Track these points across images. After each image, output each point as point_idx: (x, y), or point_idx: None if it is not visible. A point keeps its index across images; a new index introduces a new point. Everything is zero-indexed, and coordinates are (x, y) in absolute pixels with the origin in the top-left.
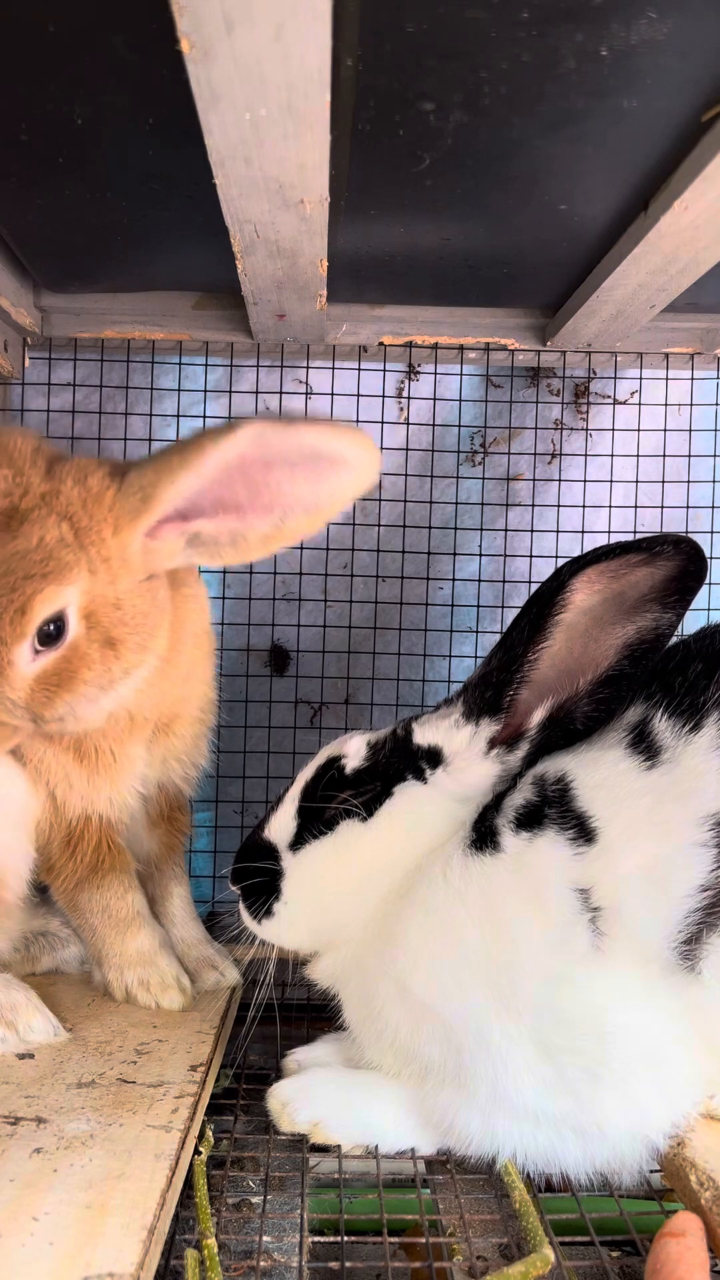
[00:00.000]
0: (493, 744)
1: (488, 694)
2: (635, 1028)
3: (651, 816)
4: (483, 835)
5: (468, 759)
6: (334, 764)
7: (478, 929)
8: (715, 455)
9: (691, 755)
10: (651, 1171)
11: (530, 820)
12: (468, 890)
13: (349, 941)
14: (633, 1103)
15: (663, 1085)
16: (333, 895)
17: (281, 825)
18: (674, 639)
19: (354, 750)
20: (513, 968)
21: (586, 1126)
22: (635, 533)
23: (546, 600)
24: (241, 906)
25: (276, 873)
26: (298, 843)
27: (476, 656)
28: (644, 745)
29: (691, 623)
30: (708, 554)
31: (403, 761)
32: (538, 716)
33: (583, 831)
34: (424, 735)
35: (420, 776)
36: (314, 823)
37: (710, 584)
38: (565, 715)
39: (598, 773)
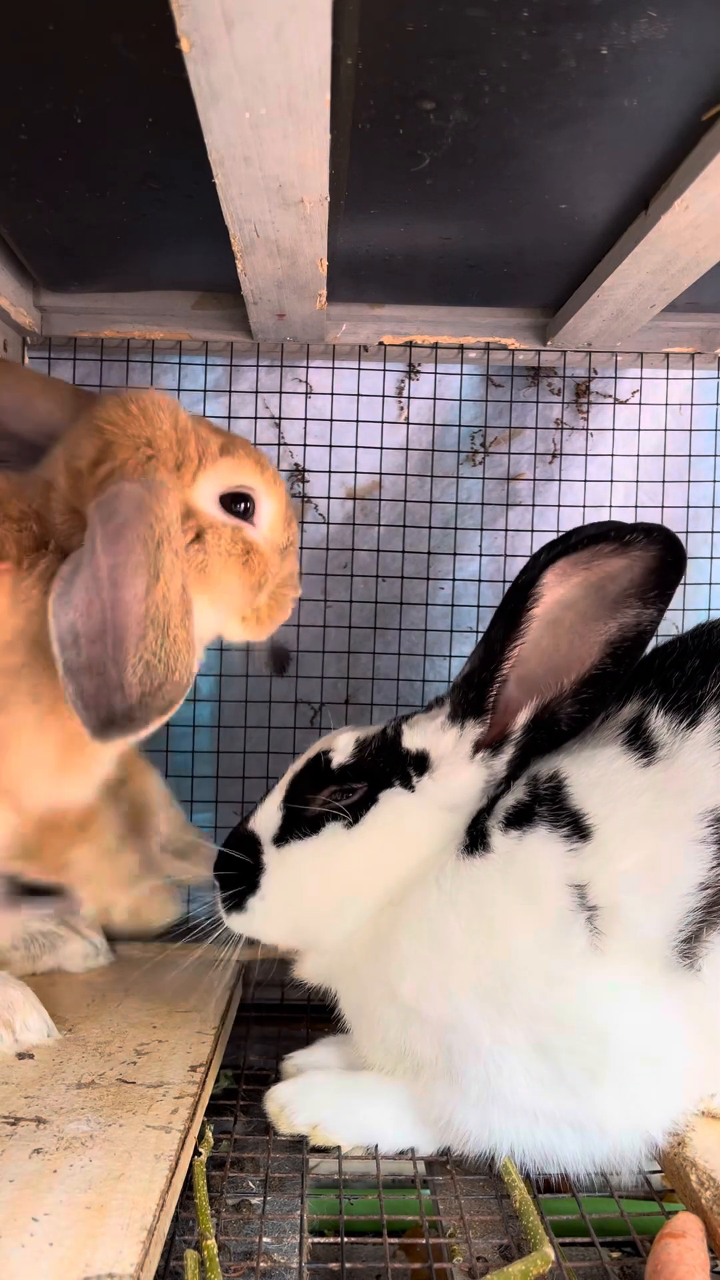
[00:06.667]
0: (478, 747)
1: (470, 695)
2: (635, 1027)
3: (649, 814)
4: (474, 838)
5: (454, 763)
6: (321, 757)
7: (465, 932)
8: (716, 455)
9: (689, 751)
10: (652, 1172)
11: (520, 819)
12: (458, 894)
13: (330, 949)
14: (632, 1100)
15: (663, 1083)
16: (310, 899)
17: (266, 817)
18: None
19: (342, 745)
20: (505, 969)
21: (585, 1123)
22: None
23: (520, 594)
24: (217, 896)
25: (256, 867)
26: (281, 839)
27: None
28: (640, 742)
29: (693, 624)
30: (708, 554)
31: (390, 764)
32: (522, 718)
33: (577, 828)
34: (413, 739)
35: (408, 784)
36: (299, 820)
37: (711, 584)
38: (550, 717)
39: (593, 770)
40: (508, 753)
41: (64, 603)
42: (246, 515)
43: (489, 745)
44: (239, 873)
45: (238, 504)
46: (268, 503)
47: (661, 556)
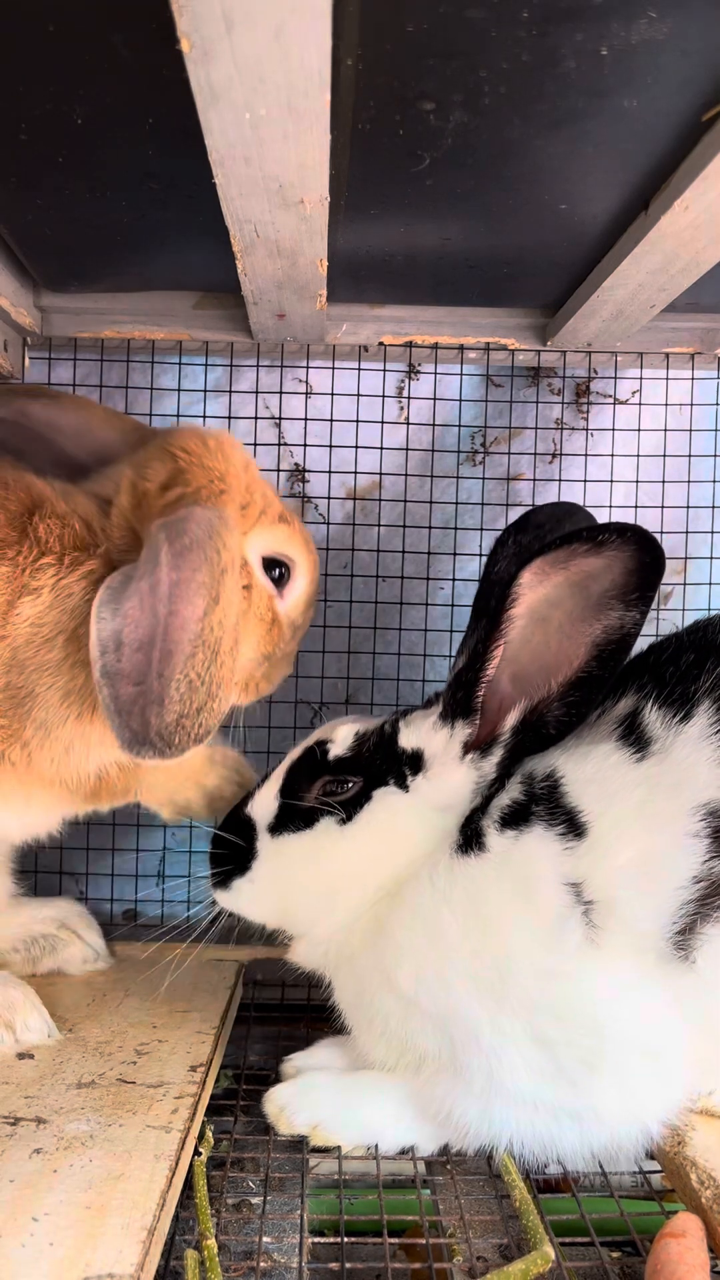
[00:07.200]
0: (467, 748)
1: (459, 694)
2: (631, 1019)
3: (643, 809)
4: (469, 838)
5: (445, 763)
6: (318, 748)
7: (461, 929)
8: (715, 455)
9: (682, 745)
10: (651, 1172)
11: (516, 819)
12: (453, 891)
13: (321, 938)
14: (629, 1091)
15: (659, 1073)
16: (301, 890)
17: (263, 804)
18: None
19: (341, 737)
20: (502, 965)
21: (583, 1113)
22: None
23: (500, 594)
24: (210, 871)
25: (249, 851)
26: (276, 829)
27: None
28: (634, 737)
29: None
30: (708, 554)
31: (386, 761)
32: (511, 720)
33: (573, 826)
34: (408, 737)
35: (402, 783)
36: (293, 813)
37: (710, 584)
38: (538, 719)
39: (588, 767)
40: (496, 754)
41: (111, 610)
42: (278, 583)
43: (478, 746)
44: (230, 852)
45: (273, 569)
46: (301, 581)
47: (638, 557)
